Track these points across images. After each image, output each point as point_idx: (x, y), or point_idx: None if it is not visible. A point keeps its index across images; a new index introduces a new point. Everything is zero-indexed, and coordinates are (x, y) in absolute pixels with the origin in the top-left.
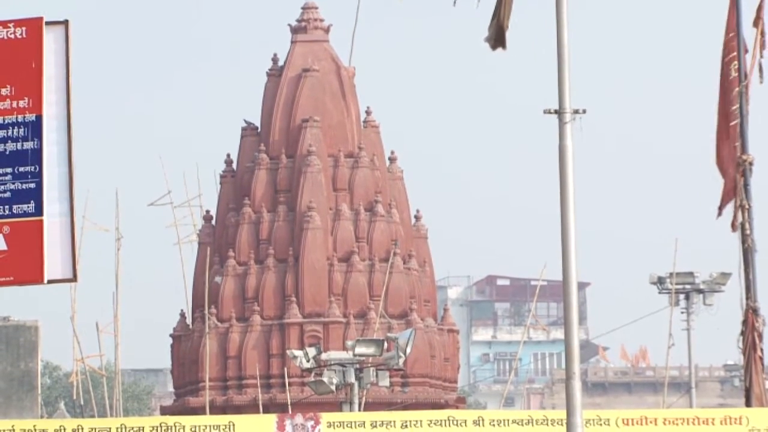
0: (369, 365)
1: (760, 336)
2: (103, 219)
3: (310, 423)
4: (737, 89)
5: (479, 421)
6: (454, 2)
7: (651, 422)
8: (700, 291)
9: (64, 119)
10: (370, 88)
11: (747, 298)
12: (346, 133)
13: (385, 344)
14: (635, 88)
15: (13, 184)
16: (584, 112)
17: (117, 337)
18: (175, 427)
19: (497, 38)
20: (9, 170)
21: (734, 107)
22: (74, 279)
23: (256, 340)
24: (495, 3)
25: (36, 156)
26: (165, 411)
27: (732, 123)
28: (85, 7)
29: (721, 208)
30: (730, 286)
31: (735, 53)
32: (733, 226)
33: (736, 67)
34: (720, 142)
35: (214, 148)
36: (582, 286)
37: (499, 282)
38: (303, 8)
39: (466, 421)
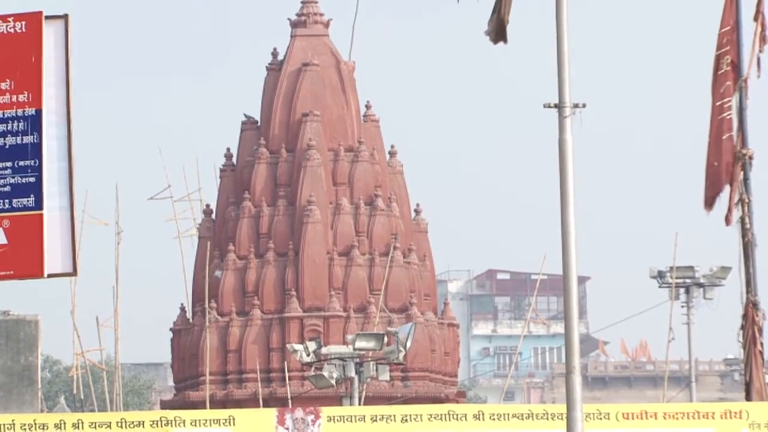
0: (369, 359)
1: (760, 330)
2: (102, 213)
3: (311, 417)
4: (728, 83)
5: (479, 415)
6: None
7: (651, 416)
8: (700, 285)
9: (63, 113)
10: (369, 83)
11: (747, 292)
12: (346, 128)
13: (386, 338)
14: (635, 82)
15: (13, 178)
16: (584, 106)
17: (117, 331)
18: (176, 421)
19: (498, 32)
20: (9, 164)
21: (724, 101)
22: (74, 273)
23: (256, 335)
24: None
25: (36, 150)
26: (165, 405)
27: (720, 116)
28: (85, 2)
29: (709, 202)
30: (731, 280)
31: (727, 48)
32: (727, 221)
33: (728, 61)
34: (712, 134)
35: (214, 142)
36: (582, 280)
37: (500, 276)
38: (303, 2)
39: (466, 415)
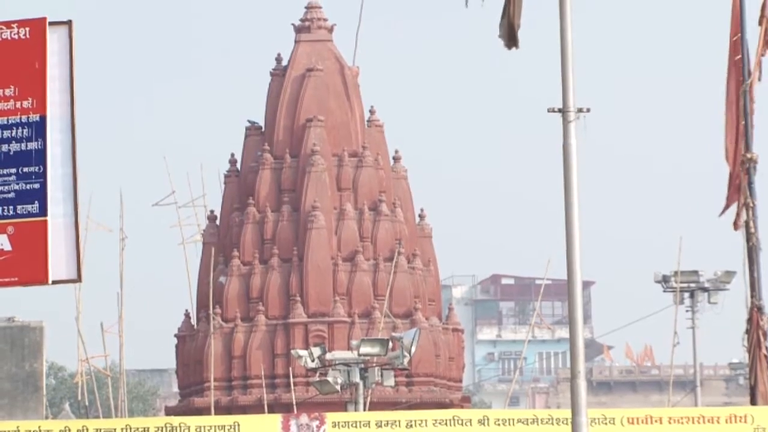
0: (374, 365)
1: (765, 334)
2: (107, 219)
3: (315, 423)
4: (743, 87)
5: (484, 420)
6: (466, 3)
7: (656, 421)
8: (704, 289)
9: (68, 119)
10: (373, 88)
11: (752, 297)
12: (350, 133)
13: (390, 344)
14: (639, 86)
15: (18, 184)
16: (588, 110)
17: (121, 338)
18: (180, 427)
19: (509, 37)
20: (13, 171)
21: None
22: (79, 279)
23: (260, 340)
24: (504, 2)
25: (40, 156)
26: (170, 411)
27: (743, 122)
28: (88, 8)
29: (727, 206)
30: (735, 284)
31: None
32: (736, 226)
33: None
34: (729, 140)
35: (218, 148)
36: (587, 285)
37: (504, 281)
38: (306, 8)
39: (471, 420)
